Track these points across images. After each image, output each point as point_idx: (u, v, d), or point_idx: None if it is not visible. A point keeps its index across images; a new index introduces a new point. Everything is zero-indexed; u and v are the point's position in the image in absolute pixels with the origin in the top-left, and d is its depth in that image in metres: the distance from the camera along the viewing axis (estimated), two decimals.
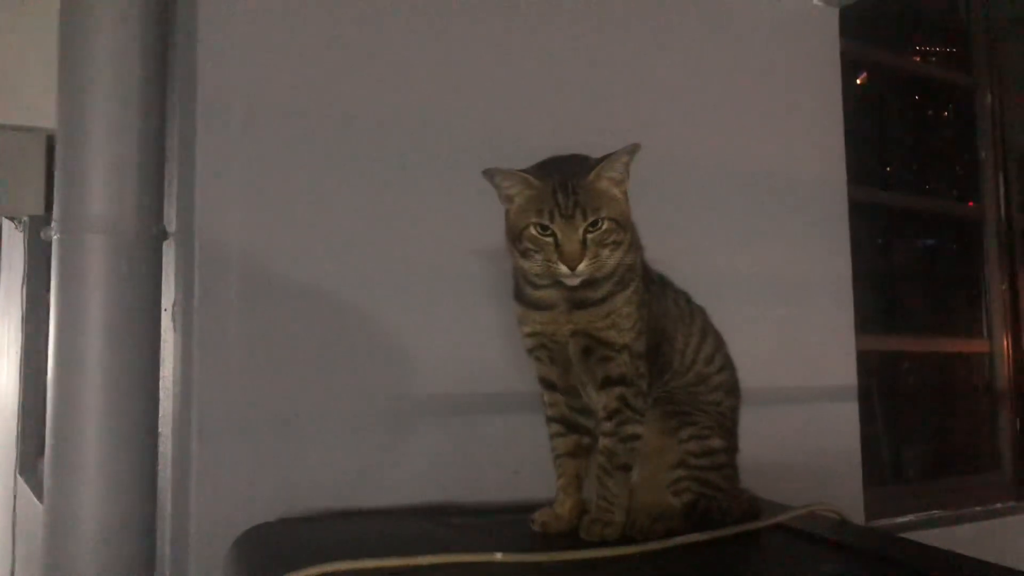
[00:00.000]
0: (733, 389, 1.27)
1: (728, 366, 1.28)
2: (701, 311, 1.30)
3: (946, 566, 1.08)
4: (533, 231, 1.07)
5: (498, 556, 0.98)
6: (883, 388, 2.66)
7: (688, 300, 1.29)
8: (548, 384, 1.21)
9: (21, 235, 3.67)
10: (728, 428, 1.23)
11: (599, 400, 1.16)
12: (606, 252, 1.08)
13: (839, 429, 2.06)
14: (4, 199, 2.99)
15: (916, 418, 2.75)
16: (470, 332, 1.50)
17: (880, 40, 2.61)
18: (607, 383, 1.15)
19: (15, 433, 3.59)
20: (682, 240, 1.80)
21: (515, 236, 1.09)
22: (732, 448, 1.24)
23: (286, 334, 1.38)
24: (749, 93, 1.96)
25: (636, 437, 1.15)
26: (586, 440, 1.21)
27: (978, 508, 2.45)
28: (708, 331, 1.27)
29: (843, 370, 2.08)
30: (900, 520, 2.27)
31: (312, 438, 1.37)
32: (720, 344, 1.28)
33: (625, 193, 1.11)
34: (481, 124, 1.56)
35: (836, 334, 2.07)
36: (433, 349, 1.48)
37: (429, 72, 1.54)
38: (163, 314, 1.40)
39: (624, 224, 1.10)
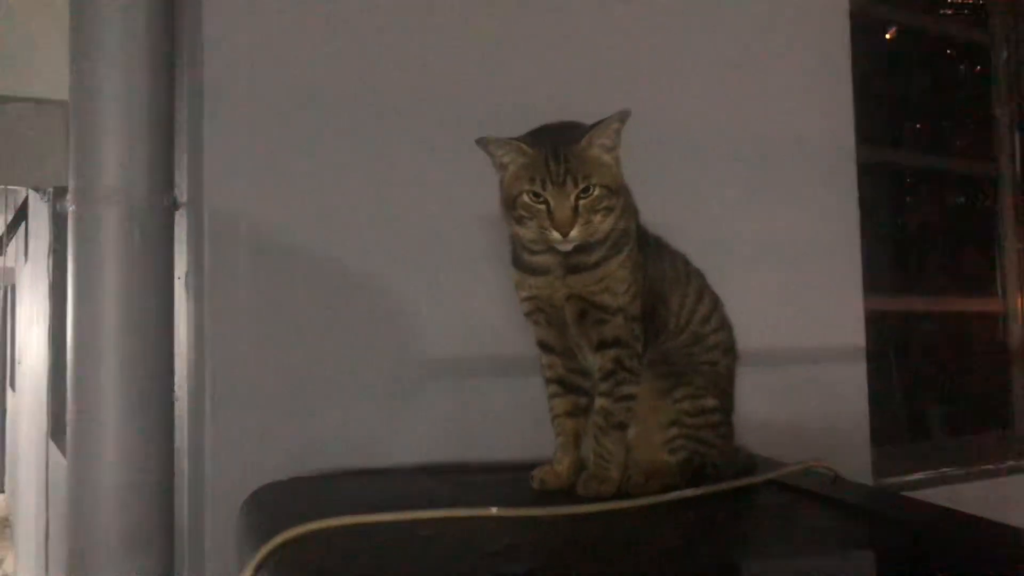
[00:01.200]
0: (730, 349, 1.30)
1: (725, 327, 1.30)
2: (698, 273, 1.32)
3: (938, 521, 1.11)
4: (526, 198, 1.10)
5: (493, 510, 1.02)
6: (896, 348, 2.67)
7: (685, 262, 1.31)
8: (546, 347, 1.25)
9: (46, 206, 3.75)
10: (723, 388, 1.26)
11: (595, 362, 1.19)
12: (598, 218, 1.10)
13: (847, 389, 2.08)
14: (27, 171, 3.05)
15: (929, 377, 2.76)
16: (475, 297, 1.53)
17: None
18: (602, 345, 1.18)
19: (46, 399, 3.70)
20: (688, 202, 1.82)
21: (509, 203, 1.12)
22: (727, 407, 1.27)
23: (295, 301, 1.42)
24: (755, 53, 1.95)
25: (631, 397, 1.19)
26: (583, 400, 1.24)
27: (988, 466, 2.46)
28: (704, 292, 1.29)
29: (851, 331, 2.09)
30: (909, 478, 2.29)
31: (322, 401, 1.42)
32: (717, 305, 1.30)
33: (617, 159, 1.14)
34: (484, 91, 1.58)
35: (844, 295, 2.08)
36: (439, 314, 1.52)
37: (432, 40, 1.55)
38: (177, 282, 1.45)
39: (616, 190, 1.12)
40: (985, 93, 2.72)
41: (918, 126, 2.85)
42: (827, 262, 2.05)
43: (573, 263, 1.15)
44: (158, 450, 1.39)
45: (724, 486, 1.17)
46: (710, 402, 1.21)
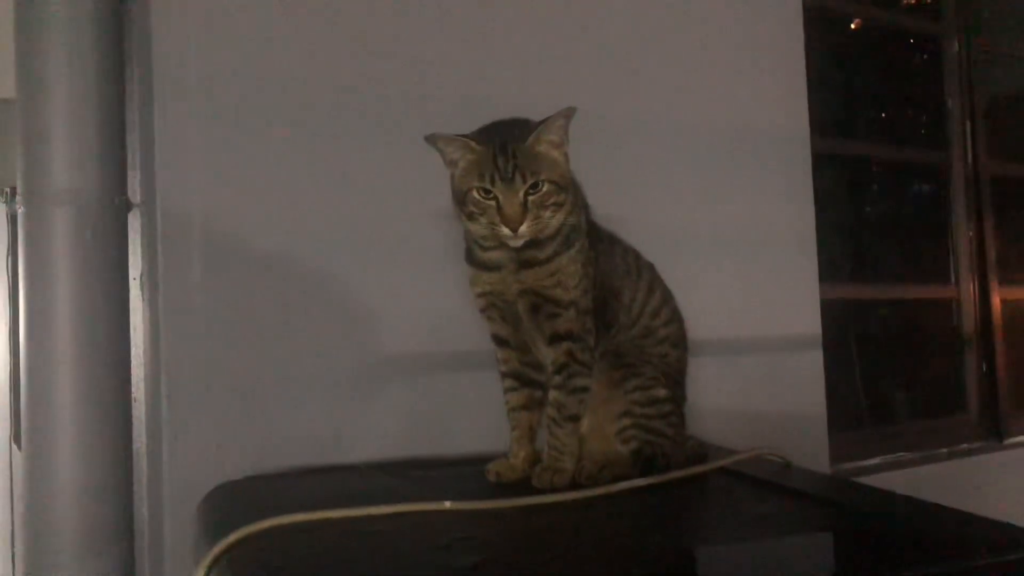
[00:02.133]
0: (680, 341, 1.32)
1: (675, 319, 1.32)
2: (650, 267, 1.34)
3: (886, 506, 1.13)
4: (476, 195, 1.11)
5: (447, 504, 1.03)
6: (852, 335, 2.72)
7: (636, 256, 1.33)
8: (501, 341, 1.26)
9: (3, 207, 3.70)
10: (674, 378, 1.29)
11: (548, 355, 1.21)
12: (547, 213, 1.12)
13: (804, 377, 2.11)
14: None
15: (886, 364, 2.81)
16: (432, 293, 1.54)
17: None
18: (555, 339, 1.20)
19: (7, 402, 3.65)
20: (645, 194, 1.84)
21: (460, 199, 1.14)
22: (678, 397, 1.29)
23: (251, 299, 1.42)
24: (709, 45, 1.97)
25: (584, 389, 1.21)
26: (538, 393, 1.26)
27: (944, 450, 2.52)
28: (656, 286, 1.31)
29: (808, 319, 2.13)
30: (867, 463, 2.34)
31: (279, 399, 1.42)
32: (668, 298, 1.32)
33: (565, 155, 1.15)
34: (440, 89, 1.59)
35: (800, 284, 2.11)
36: (396, 311, 1.52)
37: (387, 38, 1.56)
38: (133, 283, 1.45)
39: (564, 186, 1.13)
40: (938, 84, 2.77)
41: (874, 117, 2.89)
42: (783, 251, 2.08)
43: (525, 258, 1.17)
44: (115, 452, 1.39)
45: (675, 475, 1.19)
46: (661, 392, 1.23)
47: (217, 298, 1.39)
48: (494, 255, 1.18)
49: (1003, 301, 2.76)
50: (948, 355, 2.76)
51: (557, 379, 1.20)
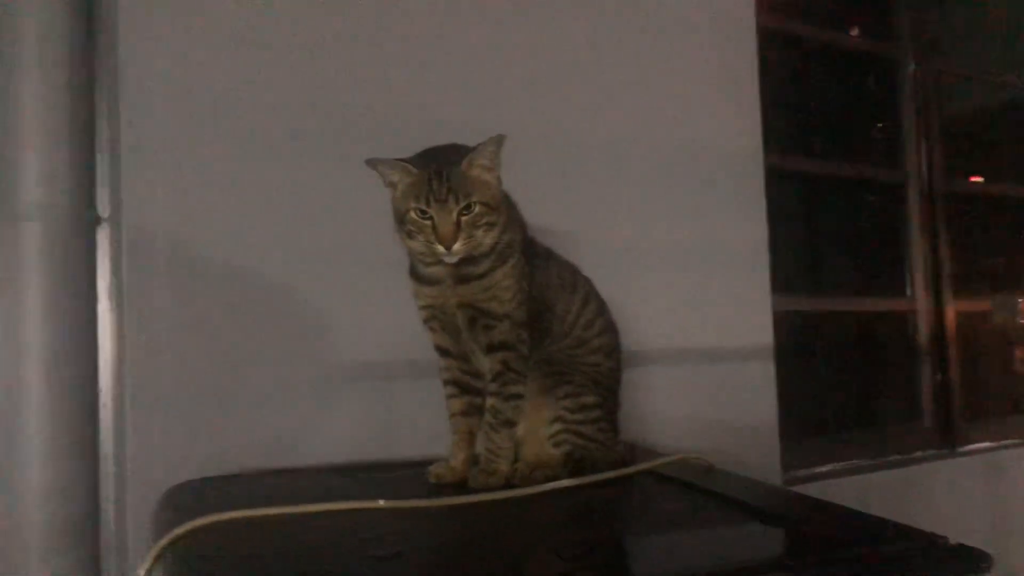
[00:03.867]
0: (613, 352, 1.40)
1: (609, 331, 1.40)
2: (586, 281, 1.42)
3: (800, 509, 1.21)
4: (414, 215, 1.19)
5: (381, 503, 1.11)
6: (810, 347, 2.80)
7: (573, 271, 1.41)
8: (442, 351, 1.35)
9: None
10: (607, 386, 1.37)
11: (485, 364, 1.29)
12: (480, 232, 1.20)
13: (756, 387, 2.18)
14: None
15: (843, 375, 2.89)
16: (388, 303, 1.60)
17: (803, 12, 2.72)
18: (491, 348, 1.28)
19: None
20: (598, 212, 1.93)
21: (399, 219, 1.22)
22: (610, 405, 1.37)
23: (212, 309, 1.50)
24: (663, 66, 2.06)
25: (519, 396, 1.29)
26: (478, 400, 1.34)
27: (898, 456, 2.60)
28: (590, 299, 1.39)
29: (760, 331, 2.20)
30: (819, 470, 2.42)
31: (240, 405, 1.50)
32: (602, 311, 1.41)
33: (498, 179, 1.24)
34: (397, 109, 1.67)
35: (752, 297, 2.19)
36: (353, 319, 1.60)
37: (348, 58, 1.64)
38: (103, 294, 1.52)
39: (496, 207, 1.22)
40: (893, 104, 2.87)
41: (832, 136, 2.98)
42: (737, 265, 2.16)
43: (462, 274, 1.25)
44: (83, 455, 1.46)
45: (601, 476, 1.27)
46: (590, 399, 1.32)
47: (180, 308, 1.47)
48: (434, 270, 1.27)
49: (957, 313, 2.85)
50: (904, 366, 2.85)
51: (493, 386, 1.28)
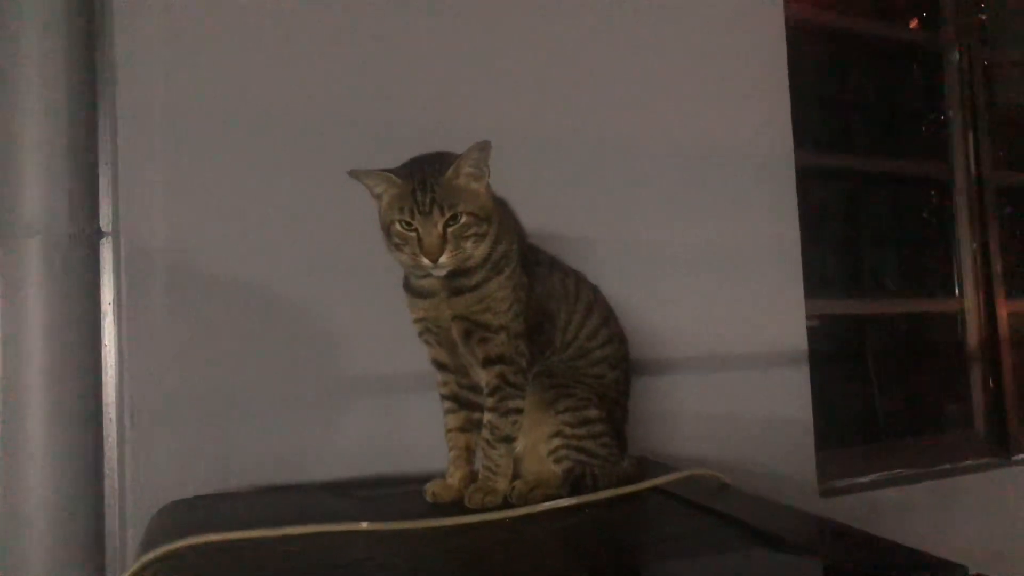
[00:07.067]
0: (619, 362, 1.34)
1: (614, 340, 1.34)
2: (592, 289, 1.37)
3: (813, 533, 1.14)
4: (399, 227, 1.15)
5: (363, 525, 1.07)
6: (855, 351, 2.69)
7: (577, 280, 1.35)
8: (439, 365, 1.30)
9: None
10: (611, 399, 1.31)
11: (482, 378, 1.25)
12: (469, 244, 1.16)
13: (790, 394, 2.10)
14: None
15: (890, 379, 2.77)
16: (391, 315, 1.57)
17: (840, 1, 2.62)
18: (488, 362, 1.23)
19: None
20: (629, 215, 1.88)
21: (386, 231, 1.18)
22: (615, 417, 1.31)
23: (213, 323, 1.48)
24: (691, 63, 2.00)
25: (517, 411, 1.24)
26: (476, 415, 1.29)
27: (945, 465, 2.48)
28: (594, 308, 1.34)
29: (793, 336, 2.12)
30: (860, 480, 2.31)
31: (240, 420, 1.48)
32: (607, 320, 1.35)
33: (486, 187, 1.18)
34: (402, 117, 1.63)
35: (784, 300, 2.11)
36: (356, 333, 1.57)
37: (348, 68, 1.61)
38: (107, 308, 1.52)
39: (485, 217, 1.17)
40: (937, 96, 2.74)
41: (875, 132, 2.87)
42: (768, 267, 2.09)
43: (455, 286, 1.21)
44: (87, 470, 1.46)
45: (603, 495, 1.21)
46: (592, 413, 1.26)
47: (180, 322, 1.46)
48: (426, 283, 1.22)
49: (1009, 313, 2.70)
50: (953, 369, 2.71)
51: (491, 401, 1.23)
